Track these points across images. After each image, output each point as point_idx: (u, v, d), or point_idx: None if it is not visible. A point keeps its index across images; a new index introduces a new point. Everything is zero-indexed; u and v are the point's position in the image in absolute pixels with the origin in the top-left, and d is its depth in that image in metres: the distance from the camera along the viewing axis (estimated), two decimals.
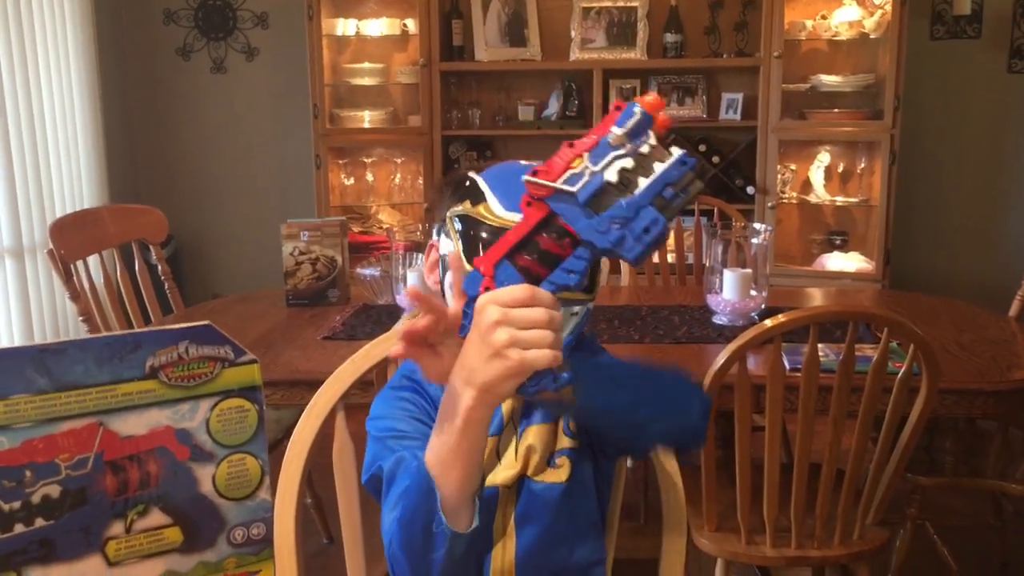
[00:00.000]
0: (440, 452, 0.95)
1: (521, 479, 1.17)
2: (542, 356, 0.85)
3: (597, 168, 0.84)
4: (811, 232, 4.29)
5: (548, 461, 1.17)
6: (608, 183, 0.84)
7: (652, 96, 0.85)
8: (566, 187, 0.84)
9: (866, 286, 3.89)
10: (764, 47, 3.97)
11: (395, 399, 1.17)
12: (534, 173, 0.86)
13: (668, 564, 1.39)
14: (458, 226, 1.12)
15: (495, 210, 1.10)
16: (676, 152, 0.84)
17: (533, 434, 1.17)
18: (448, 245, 1.14)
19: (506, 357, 0.85)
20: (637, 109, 0.84)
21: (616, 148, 0.84)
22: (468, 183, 1.14)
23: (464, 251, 1.11)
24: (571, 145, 0.85)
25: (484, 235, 1.09)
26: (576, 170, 0.84)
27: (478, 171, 1.17)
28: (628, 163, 0.83)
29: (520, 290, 0.85)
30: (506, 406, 1.17)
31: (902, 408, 1.85)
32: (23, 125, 3.44)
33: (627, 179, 0.84)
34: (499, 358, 0.85)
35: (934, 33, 4.21)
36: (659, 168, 0.83)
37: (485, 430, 0.94)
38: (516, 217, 1.09)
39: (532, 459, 1.16)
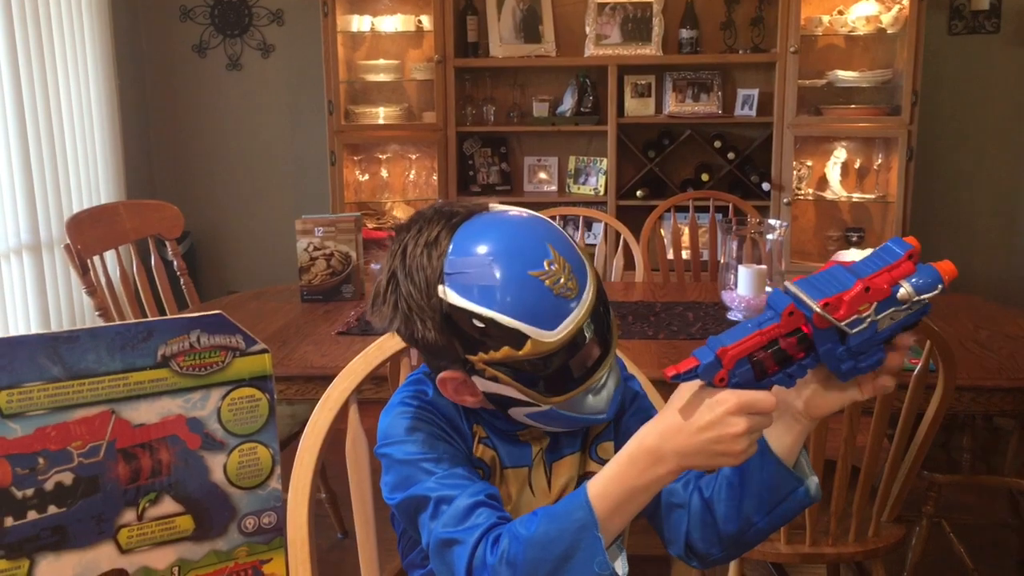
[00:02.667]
0: (621, 496, 0.94)
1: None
2: (753, 453, 0.92)
3: (877, 317, 0.91)
4: (827, 229, 4.27)
5: (577, 485, 1.17)
6: (876, 331, 0.91)
7: (950, 265, 0.91)
8: (846, 328, 0.90)
9: None
10: (780, 42, 3.95)
11: (413, 419, 1.10)
12: (825, 305, 0.89)
13: (680, 563, 1.39)
14: (509, 373, 1.02)
15: (546, 339, 1.00)
16: (925, 300, 0.91)
17: (564, 467, 1.17)
18: (496, 387, 1.04)
19: (735, 458, 0.91)
20: (941, 285, 0.90)
21: (901, 304, 0.91)
22: (483, 324, 0.99)
23: (531, 389, 1.03)
24: (867, 290, 0.90)
25: (546, 366, 1.02)
26: (862, 315, 0.90)
27: (455, 286, 1.00)
28: (898, 314, 0.91)
29: (767, 403, 0.89)
30: (536, 444, 1.15)
31: (918, 405, 1.83)
32: (40, 121, 3.46)
33: (888, 324, 0.92)
34: (726, 457, 0.91)
35: (952, 28, 4.18)
36: (905, 314, 0.91)
37: None
38: (566, 329, 1.00)
39: (567, 489, 1.16)
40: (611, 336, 1.08)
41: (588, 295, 1.03)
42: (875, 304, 0.90)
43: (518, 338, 0.99)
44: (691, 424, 0.90)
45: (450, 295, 1.00)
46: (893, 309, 0.90)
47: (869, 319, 0.90)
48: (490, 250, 1.01)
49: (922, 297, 0.89)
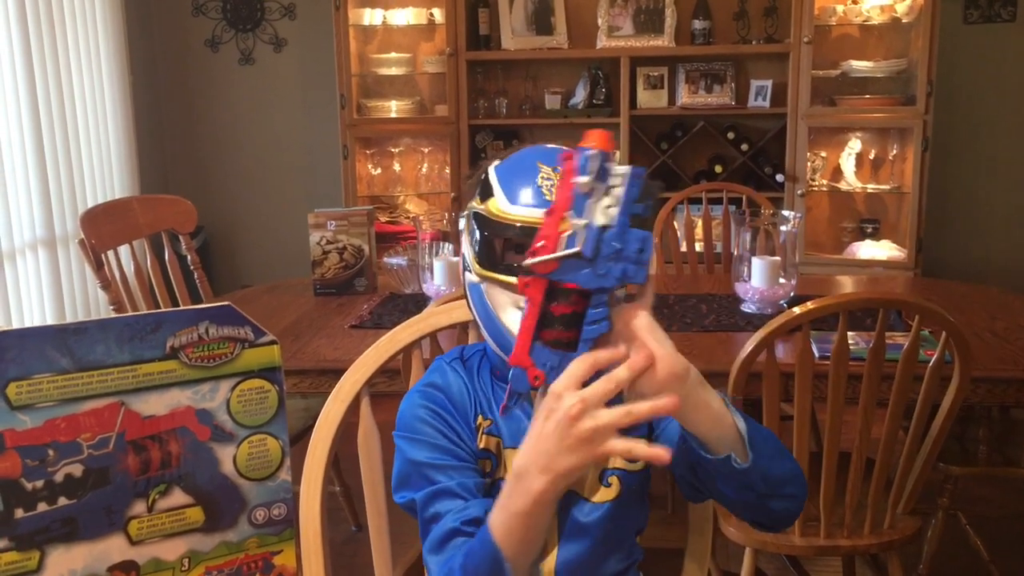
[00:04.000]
0: (508, 525, 0.94)
1: (568, 494, 1.16)
2: (620, 443, 0.86)
3: (586, 220, 0.87)
4: (842, 220, 4.24)
5: (600, 478, 1.16)
6: (601, 227, 0.86)
7: (596, 132, 0.88)
8: (569, 251, 0.86)
9: (898, 274, 3.84)
10: (794, 33, 3.93)
11: (424, 411, 1.14)
12: (532, 253, 0.87)
13: (693, 555, 1.38)
14: (471, 224, 1.12)
15: (500, 206, 1.08)
16: (624, 169, 0.87)
17: None
18: (464, 237, 1.15)
19: (592, 443, 0.85)
20: (591, 152, 0.86)
21: (590, 194, 0.87)
22: (484, 176, 1.14)
23: (472, 248, 1.11)
24: (550, 213, 0.87)
25: (487, 233, 1.09)
26: (568, 232, 0.86)
27: (503, 158, 1.16)
28: (608, 200, 0.87)
29: (579, 367, 0.86)
30: None
31: (933, 396, 1.82)
32: (54, 116, 3.47)
33: (610, 214, 0.87)
34: (587, 444, 0.85)
35: (967, 17, 4.14)
36: (620, 192, 0.87)
37: (554, 506, 0.93)
38: (516, 212, 1.07)
39: (584, 478, 1.16)
40: None
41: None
42: (569, 213, 0.87)
43: (487, 193, 1.10)
44: (535, 431, 0.89)
45: (492, 163, 1.15)
46: (594, 202, 0.87)
47: (577, 228, 0.86)
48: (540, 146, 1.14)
49: (593, 174, 0.86)
